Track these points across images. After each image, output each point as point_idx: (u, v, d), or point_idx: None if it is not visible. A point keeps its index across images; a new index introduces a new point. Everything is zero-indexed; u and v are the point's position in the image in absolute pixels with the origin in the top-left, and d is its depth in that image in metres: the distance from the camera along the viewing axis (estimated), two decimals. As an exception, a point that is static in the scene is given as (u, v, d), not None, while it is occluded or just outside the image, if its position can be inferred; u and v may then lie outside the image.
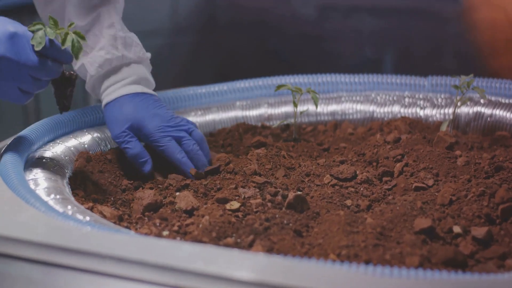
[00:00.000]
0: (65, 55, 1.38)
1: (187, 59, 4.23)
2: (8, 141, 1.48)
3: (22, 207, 1.20)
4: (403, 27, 3.54)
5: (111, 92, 1.59)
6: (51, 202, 1.27)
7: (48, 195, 1.30)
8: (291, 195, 1.36)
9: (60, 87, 1.43)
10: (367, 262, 1.16)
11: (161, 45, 3.86)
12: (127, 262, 1.00)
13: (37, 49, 1.32)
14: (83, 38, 1.36)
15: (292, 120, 1.82)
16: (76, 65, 1.61)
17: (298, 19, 4.31)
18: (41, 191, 1.32)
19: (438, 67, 3.43)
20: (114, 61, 1.60)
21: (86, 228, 1.11)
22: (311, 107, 1.88)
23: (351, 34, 4.14)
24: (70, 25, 1.36)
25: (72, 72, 1.44)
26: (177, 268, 0.98)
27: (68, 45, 1.34)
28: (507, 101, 1.78)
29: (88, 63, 1.59)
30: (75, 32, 1.35)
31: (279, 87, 1.72)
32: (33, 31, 1.33)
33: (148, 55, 1.66)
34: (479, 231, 1.26)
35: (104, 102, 1.60)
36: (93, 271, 1.02)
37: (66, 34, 1.34)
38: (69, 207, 1.26)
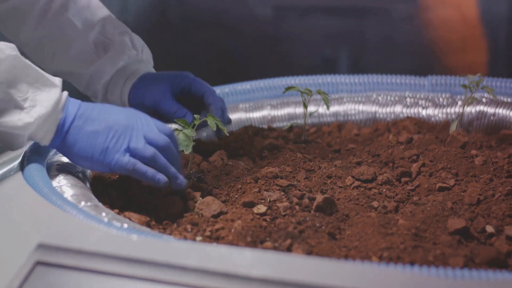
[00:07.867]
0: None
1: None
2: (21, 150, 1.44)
3: (59, 216, 1.17)
4: (358, 27, 3.55)
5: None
6: (84, 210, 1.24)
7: (79, 202, 1.27)
8: (319, 197, 1.36)
9: None
10: (411, 263, 1.15)
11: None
12: (188, 271, 0.98)
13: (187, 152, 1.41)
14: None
15: (299, 121, 1.82)
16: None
17: (253, 20, 4.30)
18: (69, 199, 1.28)
19: (394, 66, 3.47)
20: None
21: (133, 236, 1.09)
22: (315, 109, 1.87)
23: (306, 35, 4.14)
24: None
25: None
26: (241, 275, 0.97)
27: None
28: (509, 100, 1.80)
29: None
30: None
31: (288, 88, 1.71)
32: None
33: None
34: (513, 231, 1.27)
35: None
36: (151, 280, 0.99)
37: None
38: (104, 214, 1.23)
